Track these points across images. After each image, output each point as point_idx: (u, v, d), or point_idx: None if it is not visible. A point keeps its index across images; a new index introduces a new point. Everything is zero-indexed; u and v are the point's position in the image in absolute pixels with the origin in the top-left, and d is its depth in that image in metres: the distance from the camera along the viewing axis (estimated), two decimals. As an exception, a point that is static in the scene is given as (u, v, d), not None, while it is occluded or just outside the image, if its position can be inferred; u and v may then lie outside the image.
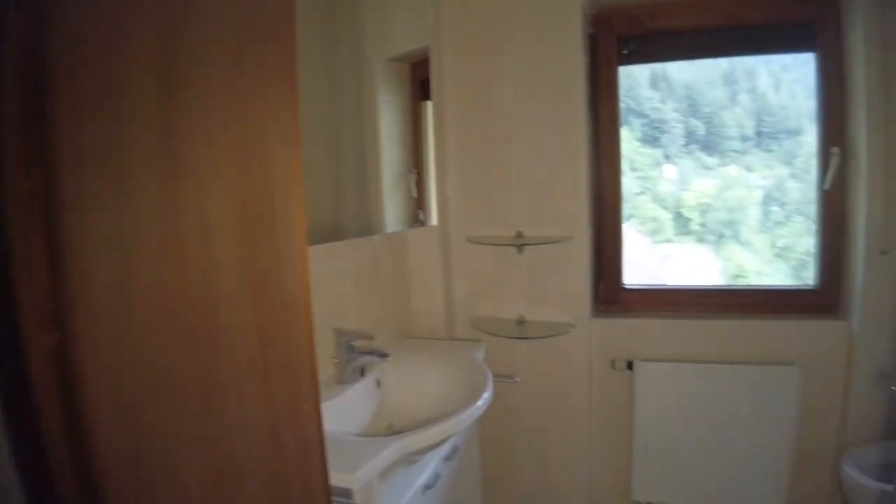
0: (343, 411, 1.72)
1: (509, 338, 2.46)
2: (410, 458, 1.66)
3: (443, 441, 1.68)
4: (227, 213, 0.73)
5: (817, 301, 2.37)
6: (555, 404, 2.56)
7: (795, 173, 3.18)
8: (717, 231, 3.38)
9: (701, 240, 3.51)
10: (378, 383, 1.96)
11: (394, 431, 1.81)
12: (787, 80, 2.96)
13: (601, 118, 2.49)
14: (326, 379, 1.82)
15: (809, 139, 2.89)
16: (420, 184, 2.35)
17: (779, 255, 3.65)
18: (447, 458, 1.93)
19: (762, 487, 2.34)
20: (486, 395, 1.76)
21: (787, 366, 2.27)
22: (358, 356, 1.85)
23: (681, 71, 3.02)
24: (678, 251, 3.29)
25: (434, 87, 2.35)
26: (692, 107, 3.04)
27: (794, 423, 2.27)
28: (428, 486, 1.74)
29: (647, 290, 2.61)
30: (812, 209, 2.50)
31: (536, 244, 2.43)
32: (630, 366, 2.45)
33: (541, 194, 2.44)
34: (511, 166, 2.45)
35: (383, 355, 1.85)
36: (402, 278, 2.47)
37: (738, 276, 3.49)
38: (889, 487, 1.91)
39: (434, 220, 2.41)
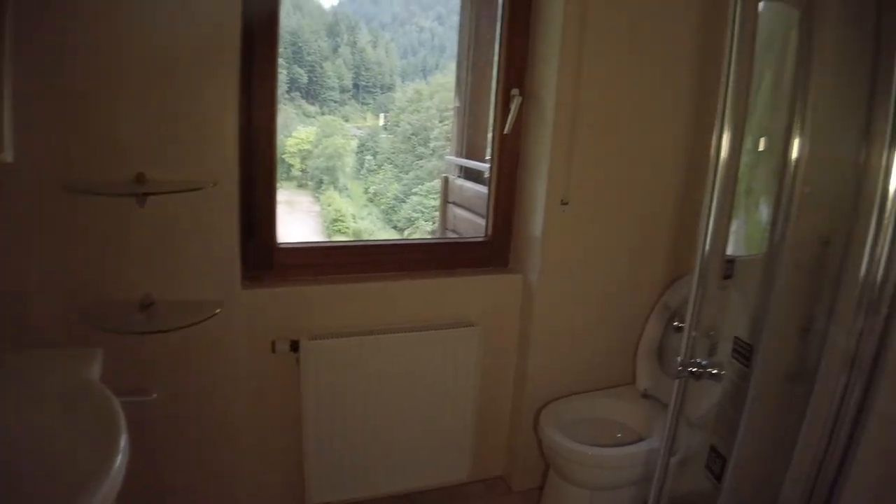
0: None
1: (134, 333, 1.68)
2: None
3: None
4: None
5: (490, 253, 2.22)
6: (203, 414, 1.90)
7: (387, 126, 3.46)
8: (317, 177, 3.55)
9: (302, 185, 3.52)
10: None
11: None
12: (385, 38, 3.16)
13: (256, 21, 1.81)
14: None
15: (399, 95, 3.25)
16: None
17: (371, 201, 3.87)
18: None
19: (447, 457, 2.17)
20: (122, 444, 1.08)
21: (468, 327, 2.08)
22: None
23: (288, 16, 2.98)
24: (281, 196, 3.21)
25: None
26: (297, 54, 3.09)
27: (476, 386, 2.13)
28: None
29: (305, 248, 2.11)
30: (401, 159, 2.70)
31: (166, 193, 1.67)
32: (295, 346, 1.94)
33: (170, 121, 1.68)
34: (125, 77, 1.62)
35: None
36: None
37: (336, 220, 3.58)
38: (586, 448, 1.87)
39: (9, 157, 1.43)
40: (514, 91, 2.04)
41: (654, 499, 1.44)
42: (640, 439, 2.00)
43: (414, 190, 3.54)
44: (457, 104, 2.68)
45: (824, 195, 1.31)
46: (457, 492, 2.28)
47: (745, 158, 1.27)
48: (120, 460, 1.03)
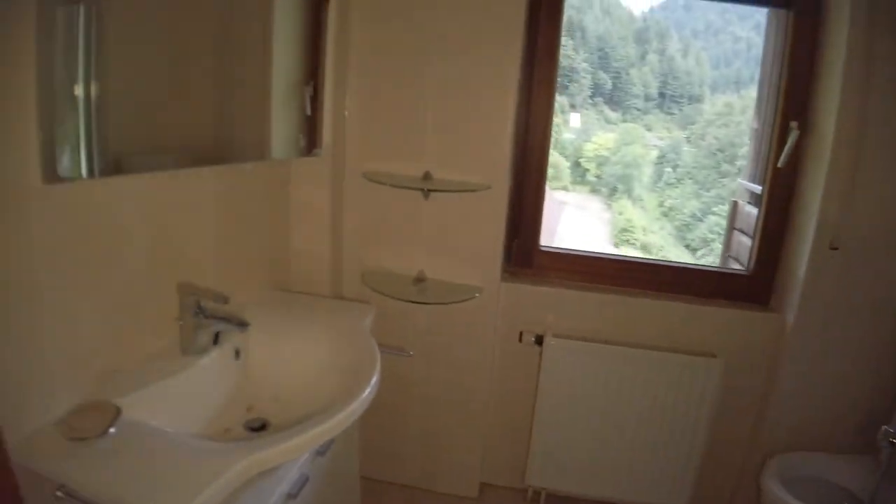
0: (188, 391, 1.31)
1: (405, 301, 2.05)
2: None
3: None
4: None
5: (748, 288, 2.15)
6: (451, 380, 2.23)
7: (691, 138, 3.31)
8: (611, 184, 3.48)
9: (595, 191, 3.54)
10: (237, 353, 1.51)
11: (254, 416, 1.43)
12: (696, 47, 3.01)
13: (538, 44, 2.05)
14: (168, 346, 1.38)
15: (708, 107, 3.04)
16: (316, 101, 1.83)
17: (665, 215, 3.70)
18: (319, 453, 1.53)
19: (668, 483, 2.17)
20: (373, 382, 1.38)
21: (710, 357, 2.05)
22: (210, 321, 1.39)
23: (597, 22, 2.98)
24: (572, 199, 3.39)
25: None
26: (602, 59, 3.04)
27: (710, 418, 2.08)
28: (292, 496, 1.34)
29: (564, 254, 2.27)
30: (703, 175, 2.64)
31: (447, 191, 2.02)
32: (539, 340, 2.14)
33: (457, 129, 2.01)
34: (425, 89, 1.99)
35: (241, 324, 1.41)
36: (283, 218, 1.99)
37: (625, 231, 3.50)
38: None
39: (327, 146, 1.92)
40: (793, 124, 1.94)
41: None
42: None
43: (713, 209, 3.39)
44: (755, 125, 2.54)
45: None
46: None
47: None
48: (365, 396, 1.33)
